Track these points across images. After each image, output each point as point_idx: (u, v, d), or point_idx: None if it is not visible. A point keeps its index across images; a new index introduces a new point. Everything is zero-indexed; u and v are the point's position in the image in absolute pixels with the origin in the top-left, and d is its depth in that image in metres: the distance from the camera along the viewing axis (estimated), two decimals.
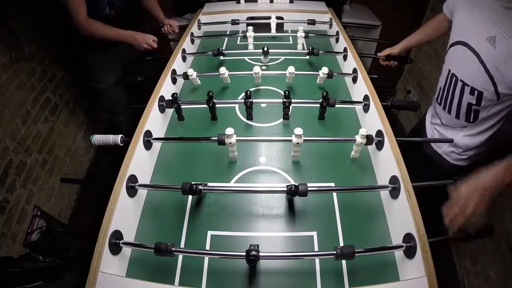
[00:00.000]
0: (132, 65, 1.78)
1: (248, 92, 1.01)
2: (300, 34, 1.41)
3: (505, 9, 0.83)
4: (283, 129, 1.05)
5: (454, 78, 1.01)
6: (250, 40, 1.42)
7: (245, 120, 1.08)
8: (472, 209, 0.64)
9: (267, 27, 1.55)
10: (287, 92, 1.00)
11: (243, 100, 1.02)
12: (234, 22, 1.58)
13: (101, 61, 1.65)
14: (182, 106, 1.05)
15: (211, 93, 0.99)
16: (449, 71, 1.03)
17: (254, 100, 1.02)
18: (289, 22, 1.65)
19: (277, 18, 1.64)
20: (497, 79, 0.86)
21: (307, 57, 1.37)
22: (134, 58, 1.74)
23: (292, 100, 1.00)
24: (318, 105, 1.03)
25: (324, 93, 0.99)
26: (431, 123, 1.21)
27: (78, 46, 1.65)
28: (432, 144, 1.21)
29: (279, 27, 1.66)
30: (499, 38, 0.82)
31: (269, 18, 1.55)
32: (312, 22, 1.56)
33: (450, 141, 1.05)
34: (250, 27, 1.43)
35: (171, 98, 1.02)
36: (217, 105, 1.03)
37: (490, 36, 0.84)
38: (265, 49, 1.27)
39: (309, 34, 1.44)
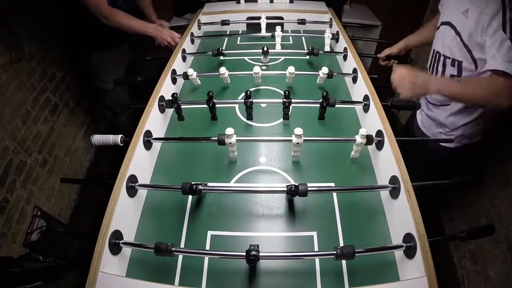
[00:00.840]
0: (134, 65, 1.78)
1: (248, 92, 1.01)
2: (328, 35, 1.41)
3: None
4: (283, 129, 1.05)
5: (437, 55, 1.09)
6: (278, 40, 1.42)
7: (245, 120, 1.08)
8: (407, 90, 0.93)
9: (268, 27, 1.55)
10: (287, 92, 1.00)
11: (243, 100, 1.02)
12: (224, 23, 1.58)
13: (103, 61, 1.65)
14: (182, 106, 1.05)
15: (211, 93, 0.99)
16: (434, 50, 1.12)
17: (254, 100, 1.02)
18: (290, 22, 1.65)
19: (277, 18, 1.64)
20: (471, 46, 0.94)
21: (307, 57, 1.37)
22: (136, 58, 1.74)
23: (292, 100, 1.00)
24: (318, 105, 1.03)
25: (324, 93, 0.99)
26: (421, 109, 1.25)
27: (81, 45, 1.65)
28: (422, 127, 1.24)
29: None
30: (471, 9, 0.92)
31: (270, 18, 1.55)
32: (302, 21, 1.57)
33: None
34: (278, 27, 1.43)
35: (171, 98, 1.02)
36: (217, 105, 1.03)
37: (464, 9, 0.94)
38: (265, 49, 1.27)
39: (336, 36, 1.45)
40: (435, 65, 1.11)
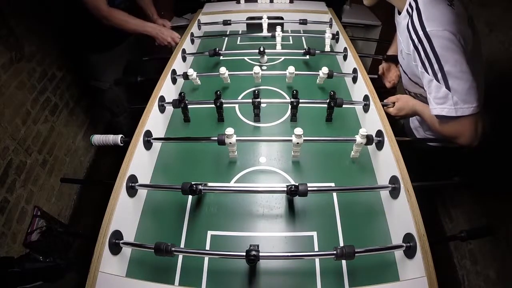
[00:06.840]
0: (133, 65, 1.78)
1: (256, 92, 1.00)
2: (328, 35, 1.41)
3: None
4: (284, 129, 1.05)
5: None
6: (278, 40, 1.41)
7: (244, 119, 1.08)
8: (403, 114, 1.04)
9: (268, 27, 1.54)
10: (295, 92, 0.99)
11: (250, 100, 1.01)
12: (226, 23, 1.58)
13: (102, 61, 1.65)
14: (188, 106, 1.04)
15: (218, 92, 0.99)
16: None
17: (257, 100, 1.02)
18: (289, 22, 1.65)
19: (277, 18, 1.64)
20: (419, 82, 0.92)
21: (307, 57, 1.37)
22: (135, 58, 1.74)
23: (300, 100, 0.99)
24: (321, 105, 1.02)
25: (332, 92, 0.99)
26: None
27: (80, 46, 1.65)
28: (410, 122, 1.24)
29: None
30: (403, 50, 0.92)
31: (270, 18, 1.55)
32: (303, 22, 1.57)
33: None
34: (279, 27, 1.43)
35: (178, 98, 1.01)
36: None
37: (400, 50, 0.97)
38: (261, 49, 1.27)
39: (336, 36, 1.45)
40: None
